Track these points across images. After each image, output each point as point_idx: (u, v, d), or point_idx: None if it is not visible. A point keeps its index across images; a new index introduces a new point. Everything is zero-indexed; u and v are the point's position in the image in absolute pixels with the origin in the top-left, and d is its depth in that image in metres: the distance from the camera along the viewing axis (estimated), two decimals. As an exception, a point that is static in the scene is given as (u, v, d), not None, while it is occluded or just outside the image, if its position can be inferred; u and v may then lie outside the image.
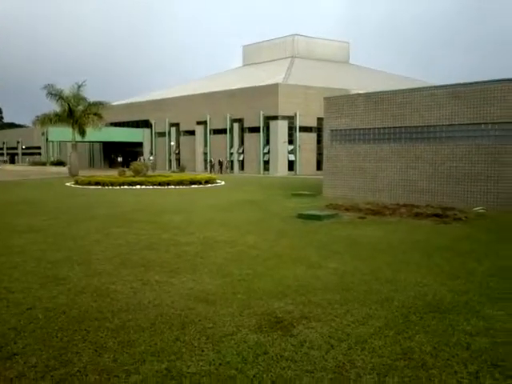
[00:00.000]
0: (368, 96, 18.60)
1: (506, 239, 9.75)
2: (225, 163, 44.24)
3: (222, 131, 45.67)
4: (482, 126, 15.07)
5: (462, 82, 16.27)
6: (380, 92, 18.59)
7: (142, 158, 49.40)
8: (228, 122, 44.82)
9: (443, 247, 8.78)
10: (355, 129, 18.55)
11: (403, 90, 18.63)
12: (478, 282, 6.38)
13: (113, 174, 32.51)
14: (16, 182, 31.40)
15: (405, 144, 17.05)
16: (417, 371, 3.82)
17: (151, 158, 50.10)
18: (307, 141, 41.98)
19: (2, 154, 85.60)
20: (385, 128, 17.64)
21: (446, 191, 15.84)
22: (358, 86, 39.41)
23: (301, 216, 12.61)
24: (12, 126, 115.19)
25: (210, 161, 44.78)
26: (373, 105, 17.95)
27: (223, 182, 27.67)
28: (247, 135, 44.03)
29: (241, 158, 44.59)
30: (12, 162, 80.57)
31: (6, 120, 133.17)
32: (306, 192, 19.83)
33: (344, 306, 5.43)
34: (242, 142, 44.68)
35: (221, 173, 41.75)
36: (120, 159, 55.09)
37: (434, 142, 16.26)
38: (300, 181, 29.98)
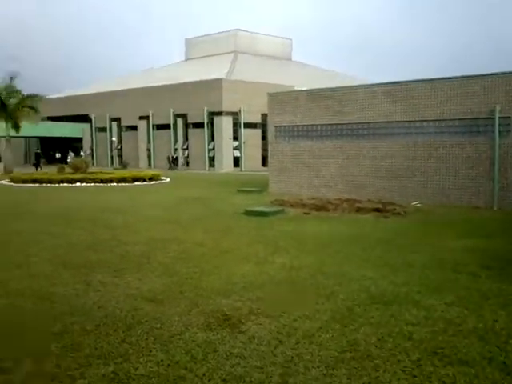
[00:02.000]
0: (310, 92, 18.93)
1: (441, 232, 10.26)
2: (181, 159, 42.91)
3: (166, 126, 44.90)
4: (417, 123, 15.76)
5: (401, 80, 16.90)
6: (321, 89, 18.98)
7: (71, 154, 47.64)
8: (171, 118, 44.15)
9: (384, 241, 9.11)
10: (298, 125, 18.84)
11: (344, 87, 19.14)
12: (417, 274, 6.68)
13: (52, 170, 31.17)
14: None
15: (346, 140, 17.52)
16: (363, 362, 3.95)
17: (83, 152, 48.46)
18: (252, 137, 42.17)
19: None
20: (327, 124, 18.03)
21: (386, 186, 16.45)
22: (301, 82, 40.02)
23: (247, 213, 12.66)
24: None
25: (171, 157, 43.22)
26: (315, 101, 18.30)
27: (168, 179, 27.25)
28: (191, 131, 43.61)
29: (185, 155, 44.10)
30: None
31: None
32: (252, 188, 19.94)
33: (291, 300, 5.51)
34: (186, 138, 44.20)
35: (173, 169, 41.02)
36: (58, 155, 52.90)
37: (373, 139, 16.82)
38: (246, 177, 30.08)
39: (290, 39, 66.09)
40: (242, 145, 42.04)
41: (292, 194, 17.58)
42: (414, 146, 15.84)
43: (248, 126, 42.03)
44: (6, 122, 36.85)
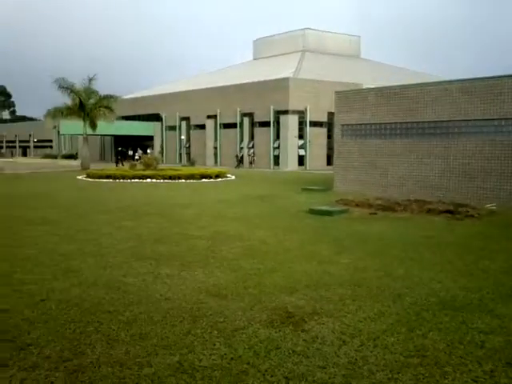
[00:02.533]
0: (379, 90, 18.43)
1: (519, 236, 9.62)
2: (250, 157, 42.97)
3: (233, 125, 45.60)
4: (495, 121, 14.87)
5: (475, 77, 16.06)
6: (391, 86, 18.42)
7: (139, 151, 49.99)
8: (238, 117, 44.76)
9: (456, 244, 8.69)
10: (366, 124, 18.41)
11: (415, 84, 18.44)
12: (492, 280, 6.31)
13: (124, 167, 32.64)
14: (28, 174, 31.65)
15: (417, 139, 16.89)
16: (430, 369, 3.79)
17: (150, 150, 50.54)
18: (318, 135, 41.79)
19: (14, 147, 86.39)
20: (396, 123, 17.48)
21: (458, 187, 15.68)
22: (370, 80, 39.10)
23: (312, 211, 12.56)
24: (24, 119, 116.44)
25: (239, 156, 43.85)
26: (384, 99, 17.80)
27: (233, 177, 27.65)
28: (257, 130, 43.94)
29: (251, 153, 44.52)
30: (24, 154, 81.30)
31: (19, 113, 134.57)
32: (317, 187, 19.76)
33: (356, 301, 5.40)
34: (252, 137, 44.61)
35: (240, 167, 41.53)
36: (131, 153, 55.32)
37: (446, 138, 16.08)
38: (310, 176, 29.89)
39: (359, 36, 64.84)
40: (308, 143, 41.77)
41: (358, 194, 17.22)
42: (491, 145, 14.96)
43: (314, 124, 41.70)
44: (84, 121, 39.08)
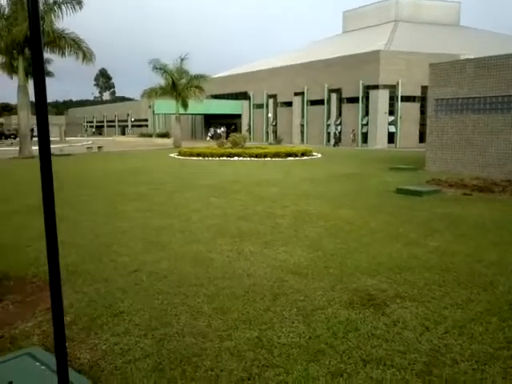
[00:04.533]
0: (479, 61, 17.09)
1: None
2: (351, 135, 41.15)
3: (319, 102, 44.92)
4: None
5: None
6: (493, 56, 16.98)
7: (220, 130, 51.22)
8: (326, 93, 43.96)
9: (561, 229, 7.95)
10: (463, 98, 17.22)
11: (521, 53, 16.86)
12: None
13: (213, 145, 33.64)
14: (126, 152, 33.79)
15: (521, 114, 15.51)
16: (522, 363, 3.55)
17: (222, 129, 51.51)
18: (409, 111, 39.92)
19: (114, 126, 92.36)
20: (497, 96, 16.16)
21: None
22: (469, 50, 36.35)
23: (400, 191, 12.12)
24: (123, 99, 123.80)
25: (336, 134, 42.72)
26: (484, 71, 16.48)
27: (319, 155, 27.37)
28: (345, 106, 42.91)
29: (338, 130, 43.68)
30: (123, 133, 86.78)
31: (118, 94, 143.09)
32: (407, 166, 18.97)
33: (442, 287, 5.17)
34: (339, 114, 43.67)
35: (336, 145, 40.77)
36: (219, 131, 56.77)
37: (556, 112, 14.60)
38: (401, 154, 28.72)
39: (458, 2, 60.24)
40: (398, 120, 40.07)
41: (452, 174, 16.29)
42: None
43: (406, 99, 39.86)
44: (176, 100, 40.66)
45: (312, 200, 11.10)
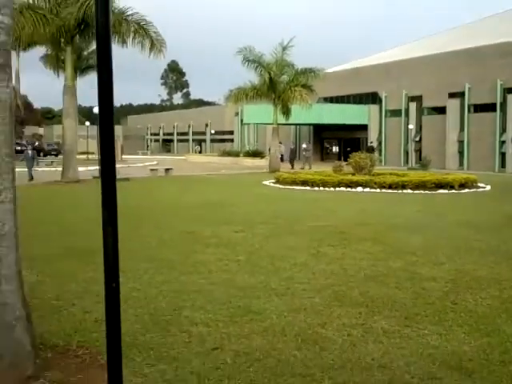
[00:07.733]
0: None
1: None
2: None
3: (488, 107, 43.49)
4: None
5: None
6: None
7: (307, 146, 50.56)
8: (498, 93, 42.49)
9: None
10: None
11: None
12: None
13: (326, 169, 33.79)
14: (203, 177, 35.04)
15: None
16: None
17: (304, 145, 50.00)
18: None
19: (187, 141, 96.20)
20: None
21: None
22: None
23: None
24: (200, 103, 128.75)
25: None
26: None
27: (488, 187, 26.36)
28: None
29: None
30: (199, 150, 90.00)
31: (194, 96, 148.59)
32: None
33: None
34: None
35: None
36: (335, 149, 56.88)
37: None
38: None
39: None
40: None
41: None
42: None
43: None
44: (275, 105, 40.64)
45: (476, 256, 10.65)
